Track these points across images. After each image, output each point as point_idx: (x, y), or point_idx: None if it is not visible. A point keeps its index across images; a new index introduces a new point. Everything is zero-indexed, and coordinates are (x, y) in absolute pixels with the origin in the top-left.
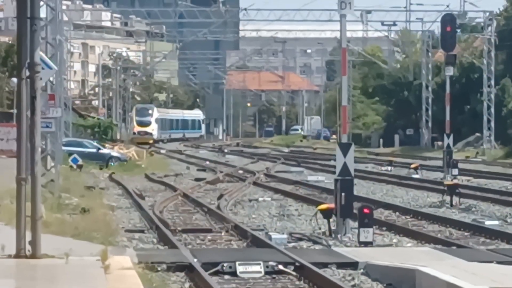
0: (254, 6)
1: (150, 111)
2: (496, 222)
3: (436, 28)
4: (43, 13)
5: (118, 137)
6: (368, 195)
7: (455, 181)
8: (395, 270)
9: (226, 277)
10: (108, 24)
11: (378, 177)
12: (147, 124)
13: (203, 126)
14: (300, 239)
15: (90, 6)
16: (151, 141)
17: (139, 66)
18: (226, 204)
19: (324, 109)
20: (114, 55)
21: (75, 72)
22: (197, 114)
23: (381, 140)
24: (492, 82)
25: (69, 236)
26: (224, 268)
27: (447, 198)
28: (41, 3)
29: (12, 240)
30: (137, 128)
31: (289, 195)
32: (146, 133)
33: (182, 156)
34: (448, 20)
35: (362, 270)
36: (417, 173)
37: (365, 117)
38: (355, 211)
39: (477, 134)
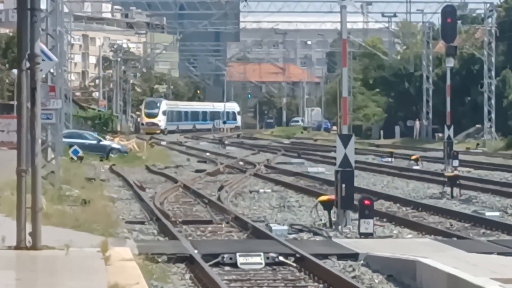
0: None
1: (158, 104)
2: (497, 213)
3: (437, 19)
4: (43, 4)
5: (119, 129)
6: (369, 186)
7: (456, 172)
8: (396, 262)
9: (227, 268)
10: (109, 15)
11: (379, 169)
12: (154, 115)
13: (238, 117)
14: (301, 231)
15: None
16: (158, 131)
17: (139, 58)
18: (227, 196)
19: (325, 100)
20: (115, 46)
21: (75, 63)
22: (231, 106)
23: (381, 132)
24: (493, 74)
25: (70, 228)
26: (225, 259)
27: (448, 189)
28: None
29: (12, 231)
30: (146, 119)
31: (290, 187)
32: (153, 124)
33: (183, 148)
34: (449, 11)
35: (362, 262)
36: (417, 165)
37: (365, 109)
38: (355, 202)
39: (478, 125)
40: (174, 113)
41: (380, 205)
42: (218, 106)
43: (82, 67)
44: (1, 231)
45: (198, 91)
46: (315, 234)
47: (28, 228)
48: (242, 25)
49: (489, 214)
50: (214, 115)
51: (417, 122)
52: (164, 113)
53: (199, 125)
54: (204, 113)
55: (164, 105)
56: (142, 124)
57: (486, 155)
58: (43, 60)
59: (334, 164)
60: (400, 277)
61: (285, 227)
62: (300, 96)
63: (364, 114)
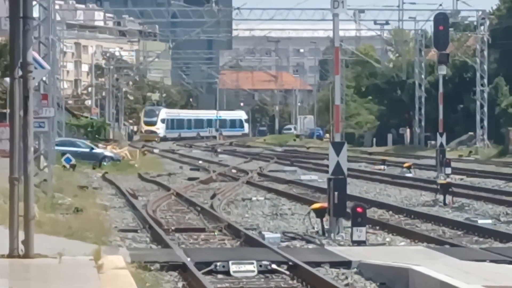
0: (247, 6)
1: (156, 112)
2: (489, 221)
3: (429, 27)
4: (35, 12)
5: (111, 137)
6: (361, 194)
7: (448, 180)
8: (388, 269)
9: (220, 276)
10: (101, 23)
11: (371, 176)
12: (153, 123)
13: (245, 125)
14: (294, 238)
15: (83, 6)
16: (156, 139)
17: (132, 66)
18: (219, 204)
19: (317, 108)
20: (107, 54)
21: (68, 71)
22: (238, 114)
23: (374, 139)
24: (485, 81)
25: (62, 236)
26: (218, 267)
27: (440, 197)
28: (34, 2)
29: (5, 240)
30: (144, 127)
31: (282, 194)
32: (152, 131)
33: (175, 156)
34: (441, 19)
35: (355, 269)
36: (410, 172)
37: (358, 116)
38: (348, 210)
39: (470, 133)
40: (175, 121)
41: (373, 212)
42: (225, 114)
43: (74, 75)
44: None
45: (191, 99)
46: (308, 242)
47: (21, 236)
48: (234, 33)
49: (481, 221)
50: (220, 123)
51: (407, 130)
52: (163, 121)
53: (204, 133)
54: (209, 120)
55: (163, 113)
56: (141, 131)
57: (478, 162)
58: (35, 68)
59: (327, 171)
60: (393, 285)
61: (278, 235)
62: (293, 104)
63: (357, 122)
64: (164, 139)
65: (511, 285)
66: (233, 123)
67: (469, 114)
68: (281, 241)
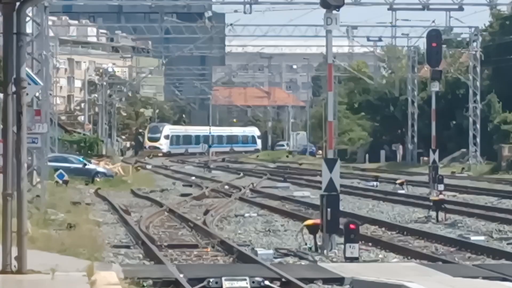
0: (240, 22)
1: (160, 129)
2: (482, 238)
3: (422, 43)
4: (29, 28)
5: (104, 153)
6: (354, 210)
7: (441, 196)
8: (381, 286)
9: None
10: (94, 39)
11: (364, 193)
12: (156, 139)
13: (258, 141)
14: (286, 255)
15: (76, 22)
16: (160, 154)
17: (125, 82)
18: (212, 220)
19: (310, 124)
20: (100, 70)
21: (61, 87)
22: (250, 130)
23: (367, 156)
24: (478, 98)
25: (55, 252)
26: (210, 283)
27: (433, 213)
28: (27, 18)
29: None
30: (148, 143)
31: (275, 211)
32: (155, 147)
33: (168, 172)
34: (434, 35)
35: (348, 286)
36: (403, 189)
37: (351, 133)
38: (341, 226)
39: (463, 149)
40: (181, 137)
41: (366, 229)
42: (237, 130)
43: (67, 91)
44: None
45: (184, 115)
46: (301, 258)
47: (14, 252)
48: (227, 49)
49: (474, 238)
50: (232, 139)
51: (400, 146)
52: (166, 137)
53: (214, 149)
54: (220, 137)
55: (167, 130)
56: (145, 147)
57: (471, 179)
58: (29, 84)
59: (320, 188)
60: None
61: (271, 251)
62: (286, 120)
63: (350, 138)
64: (168, 154)
65: None
66: (246, 139)
67: (462, 130)
68: (274, 258)
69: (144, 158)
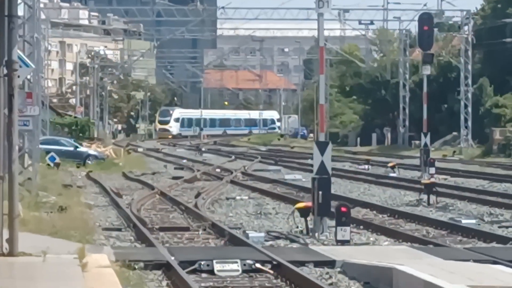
0: (231, 5)
1: (170, 112)
2: (473, 221)
3: (414, 27)
4: (20, 11)
5: (96, 135)
6: (346, 193)
7: (432, 179)
8: (372, 269)
9: (204, 275)
10: (86, 22)
11: (356, 176)
12: (166, 122)
13: (278, 124)
14: (278, 238)
15: (67, 4)
16: (170, 136)
17: (116, 65)
18: (204, 203)
19: (302, 108)
20: (92, 53)
21: (52, 70)
22: (270, 114)
23: (358, 139)
24: (470, 81)
25: (47, 234)
26: (202, 266)
27: (424, 196)
28: (19, 1)
29: None
30: (158, 126)
31: (267, 194)
32: (165, 130)
33: (160, 155)
34: (426, 19)
35: (339, 269)
36: (394, 172)
37: (342, 116)
38: (332, 209)
39: (454, 133)
40: (193, 120)
41: (357, 212)
42: (255, 114)
43: (59, 74)
44: None
45: (175, 98)
46: (292, 241)
47: (5, 234)
48: (219, 32)
49: (465, 221)
50: (250, 122)
51: (387, 130)
52: (176, 120)
53: (231, 131)
54: (238, 120)
55: (177, 113)
56: (155, 130)
57: (462, 162)
58: (20, 66)
59: (311, 171)
60: (376, 284)
61: (262, 234)
62: (277, 103)
63: (341, 121)
64: (178, 136)
65: (494, 284)
66: (265, 122)
67: (453, 114)
68: (265, 240)
69: (157, 140)
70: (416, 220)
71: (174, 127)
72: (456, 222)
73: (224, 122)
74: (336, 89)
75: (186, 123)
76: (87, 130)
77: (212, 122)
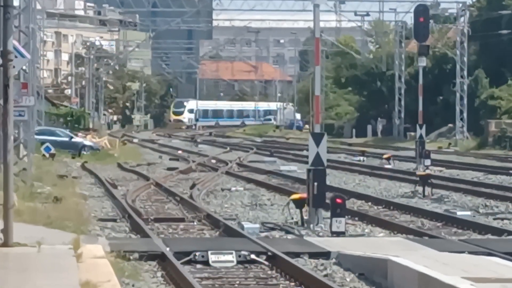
0: None
1: (184, 103)
2: (468, 213)
3: (409, 18)
4: (16, 1)
5: (91, 126)
6: (341, 185)
7: (428, 171)
8: (367, 260)
9: (198, 266)
10: (81, 13)
11: (351, 167)
12: (180, 113)
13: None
14: (273, 229)
15: None
16: (183, 127)
17: (112, 55)
18: (199, 194)
19: (297, 99)
20: (87, 44)
21: (48, 60)
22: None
23: (353, 130)
24: (465, 73)
25: (41, 225)
26: (197, 257)
27: (419, 188)
28: None
29: None
30: (173, 117)
31: (262, 185)
32: (179, 120)
33: (155, 146)
34: (421, 10)
35: (334, 260)
36: (389, 164)
37: (337, 107)
38: (327, 201)
39: (450, 124)
40: (209, 111)
41: (352, 203)
42: (272, 105)
43: (54, 64)
44: None
45: (171, 89)
46: (287, 232)
47: (0, 225)
48: (215, 23)
49: (460, 213)
50: (266, 113)
51: (378, 122)
52: (191, 111)
53: (248, 121)
54: (254, 111)
55: (191, 104)
56: (170, 120)
57: (458, 154)
58: (15, 57)
59: (306, 162)
60: (371, 275)
61: (257, 225)
62: (273, 95)
63: (336, 113)
64: (191, 126)
65: (489, 276)
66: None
67: (449, 106)
68: (260, 232)
69: (171, 131)
70: (411, 211)
71: (187, 118)
72: (451, 214)
73: (242, 113)
74: (332, 80)
75: (202, 114)
76: (83, 120)
77: (229, 113)
